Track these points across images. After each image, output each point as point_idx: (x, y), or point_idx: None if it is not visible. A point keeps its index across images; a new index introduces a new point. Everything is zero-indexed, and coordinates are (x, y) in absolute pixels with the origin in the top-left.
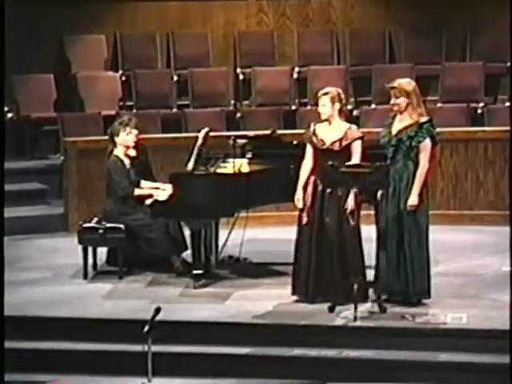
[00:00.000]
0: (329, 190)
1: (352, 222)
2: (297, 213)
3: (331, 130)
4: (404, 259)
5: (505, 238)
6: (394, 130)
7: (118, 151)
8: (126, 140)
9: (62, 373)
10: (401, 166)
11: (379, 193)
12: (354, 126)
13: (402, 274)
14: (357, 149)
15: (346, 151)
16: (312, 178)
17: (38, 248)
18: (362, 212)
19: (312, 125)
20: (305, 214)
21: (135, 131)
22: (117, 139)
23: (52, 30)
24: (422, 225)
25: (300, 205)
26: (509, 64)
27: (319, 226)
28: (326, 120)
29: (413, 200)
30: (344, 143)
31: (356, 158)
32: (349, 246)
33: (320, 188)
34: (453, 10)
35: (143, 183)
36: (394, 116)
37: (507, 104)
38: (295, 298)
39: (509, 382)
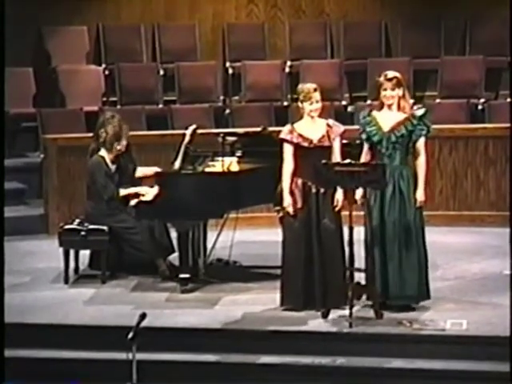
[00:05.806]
0: (322, 191)
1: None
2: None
3: (313, 126)
4: (409, 260)
5: (506, 240)
6: (386, 126)
7: (103, 153)
8: (119, 150)
9: (41, 381)
10: (399, 163)
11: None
12: (331, 120)
13: (411, 276)
14: (338, 144)
15: (330, 147)
16: (299, 181)
17: (16, 251)
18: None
19: (289, 125)
20: (296, 219)
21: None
22: (109, 150)
23: (30, 20)
24: (423, 222)
25: (291, 210)
26: (510, 58)
27: (317, 228)
28: (310, 117)
29: (422, 195)
30: (332, 138)
31: (338, 154)
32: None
33: (314, 190)
34: (452, 1)
35: (126, 190)
36: (370, 111)
37: (508, 100)
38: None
39: None
